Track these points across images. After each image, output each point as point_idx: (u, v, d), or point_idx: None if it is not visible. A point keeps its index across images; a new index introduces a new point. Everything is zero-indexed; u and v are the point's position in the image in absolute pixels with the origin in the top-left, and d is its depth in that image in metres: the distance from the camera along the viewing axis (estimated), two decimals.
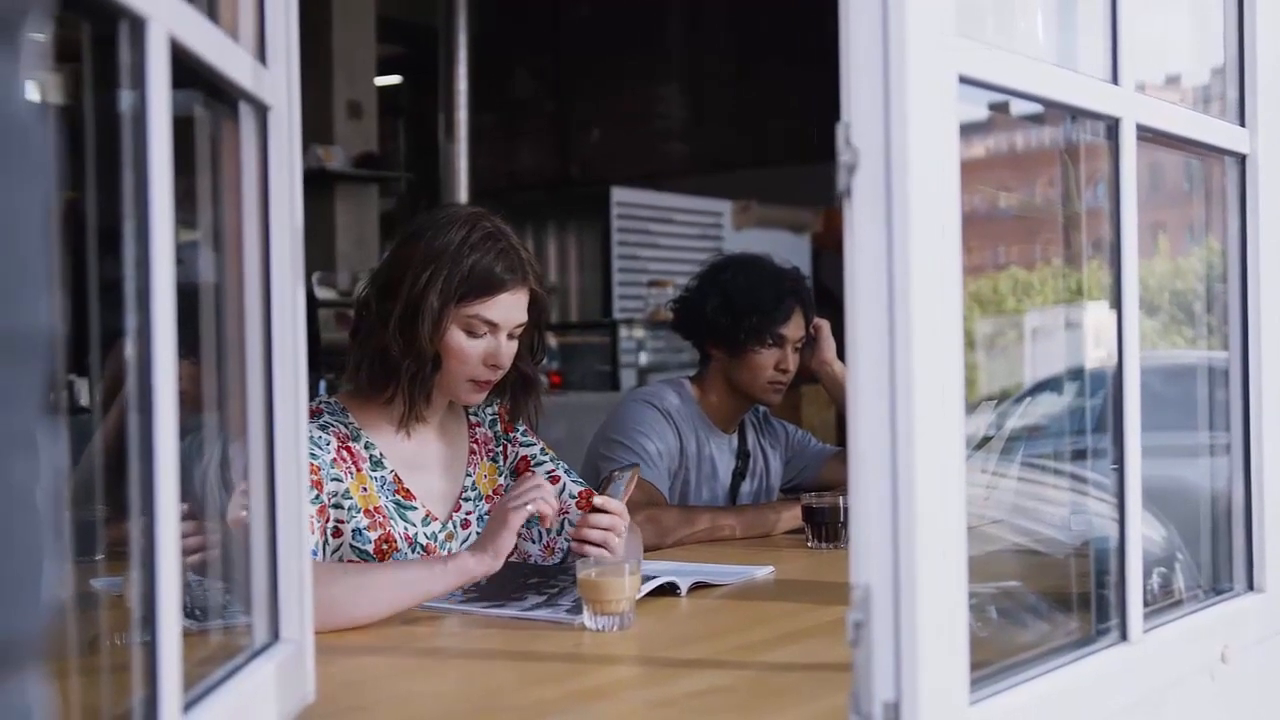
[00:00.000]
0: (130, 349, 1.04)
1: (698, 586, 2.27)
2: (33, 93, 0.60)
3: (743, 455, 3.25)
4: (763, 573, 2.44)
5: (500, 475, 2.46)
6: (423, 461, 2.37)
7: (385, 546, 2.25)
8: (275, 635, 1.42)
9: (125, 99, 1.05)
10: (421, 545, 2.30)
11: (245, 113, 1.38)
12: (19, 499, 0.57)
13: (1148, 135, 1.64)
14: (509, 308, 2.28)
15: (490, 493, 2.44)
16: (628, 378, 7.69)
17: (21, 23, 0.58)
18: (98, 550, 1.49)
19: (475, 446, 2.45)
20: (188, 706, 1.12)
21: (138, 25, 1.02)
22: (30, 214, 0.57)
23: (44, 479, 0.59)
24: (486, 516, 2.38)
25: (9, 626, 0.56)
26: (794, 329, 3.12)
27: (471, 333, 2.26)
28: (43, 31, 0.62)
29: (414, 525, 2.30)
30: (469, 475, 2.42)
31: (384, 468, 2.30)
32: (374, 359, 2.28)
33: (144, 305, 1.03)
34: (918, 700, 1.19)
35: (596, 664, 1.82)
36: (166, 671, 1.04)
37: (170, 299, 1.05)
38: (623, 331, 7.86)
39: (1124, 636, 1.56)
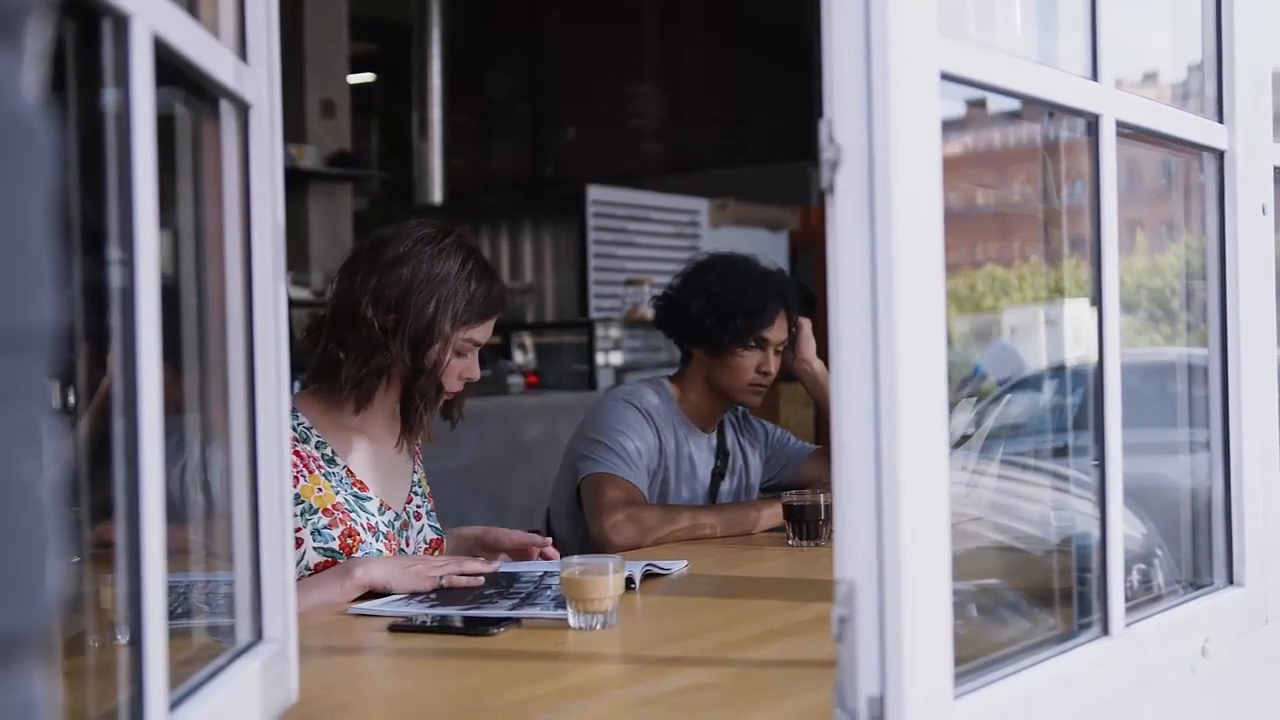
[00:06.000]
0: (113, 350, 1.04)
1: (649, 576, 2.33)
2: (34, 91, 0.60)
3: (722, 454, 3.25)
4: (678, 567, 2.46)
5: (425, 482, 2.62)
6: (374, 459, 2.46)
7: (350, 541, 2.33)
8: (259, 635, 1.41)
9: (108, 96, 1.04)
10: (383, 534, 2.39)
11: (226, 111, 1.37)
12: (25, 493, 0.57)
13: (1127, 132, 1.64)
14: (491, 329, 2.46)
15: (427, 492, 2.59)
16: (604, 377, 7.69)
17: (24, 20, 0.58)
18: (76, 552, 1.49)
19: (416, 449, 2.58)
20: (173, 706, 1.11)
21: (121, 23, 1.02)
22: (34, 211, 0.58)
23: (47, 473, 0.59)
24: (431, 512, 2.56)
25: (16, 621, 0.57)
26: (777, 332, 3.12)
27: (459, 353, 2.40)
28: (45, 27, 0.62)
29: (373, 515, 2.39)
30: (415, 473, 2.56)
31: (337, 464, 2.38)
32: (376, 375, 2.36)
33: (128, 305, 1.03)
34: (902, 694, 1.19)
35: (581, 662, 1.82)
36: (152, 671, 1.03)
37: (155, 299, 1.05)
38: (599, 331, 7.84)
39: (1106, 631, 1.57)
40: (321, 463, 2.36)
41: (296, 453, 2.31)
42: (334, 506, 2.33)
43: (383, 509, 2.41)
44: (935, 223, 1.26)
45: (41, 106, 0.60)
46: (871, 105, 1.20)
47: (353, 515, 2.34)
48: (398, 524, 2.44)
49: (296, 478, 2.28)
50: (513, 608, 2.04)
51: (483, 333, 2.42)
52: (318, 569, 2.27)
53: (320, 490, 2.33)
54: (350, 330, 2.34)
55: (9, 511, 0.56)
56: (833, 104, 1.22)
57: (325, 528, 2.30)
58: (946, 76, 1.29)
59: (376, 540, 2.36)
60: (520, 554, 2.50)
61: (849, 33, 1.21)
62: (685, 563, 2.49)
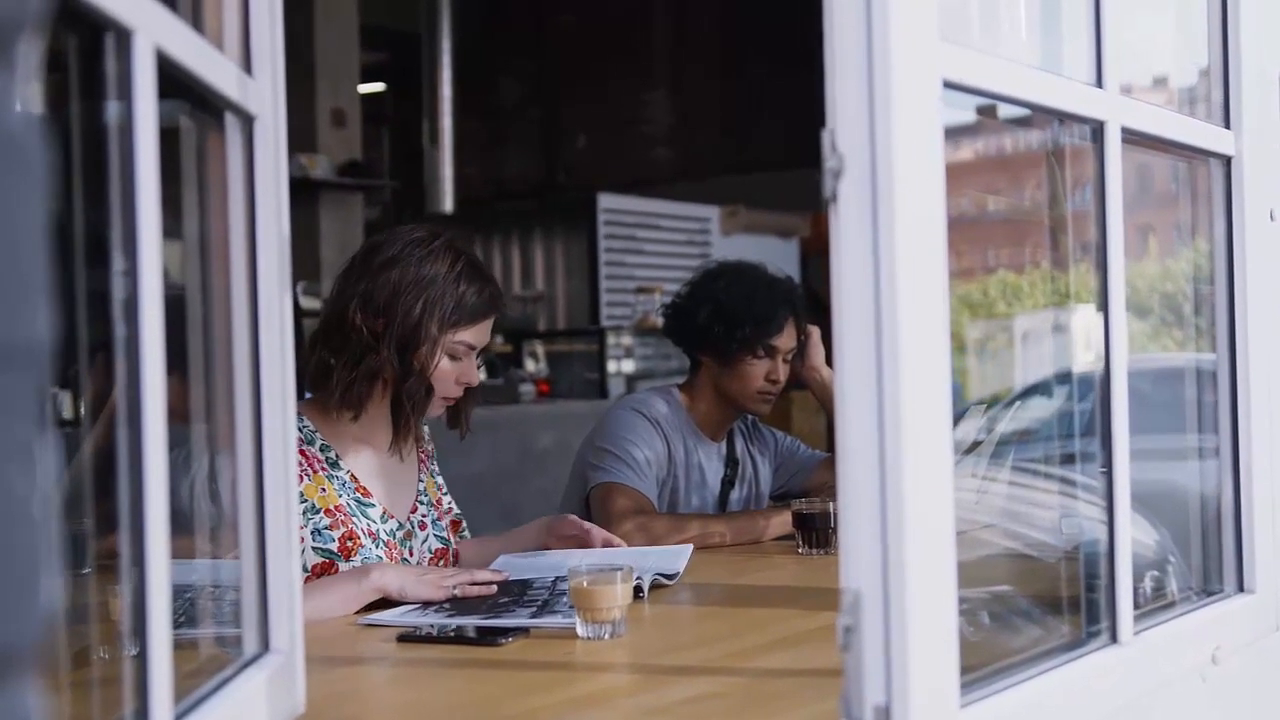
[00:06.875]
0: (118, 361, 1.04)
1: (657, 586, 2.32)
2: (28, 105, 0.60)
3: (732, 463, 3.25)
4: (684, 555, 2.49)
5: (438, 489, 2.61)
6: (378, 467, 2.46)
7: (350, 544, 2.34)
8: (265, 646, 1.41)
9: (111, 109, 1.05)
10: (383, 541, 2.39)
11: (231, 123, 1.38)
12: (18, 509, 0.57)
13: (1133, 138, 1.64)
14: (487, 332, 2.45)
15: (434, 501, 2.57)
16: (616, 385, 7.68)
17: (17, 35, 0.59)
18: (86, 564, 1.49)
19: (422, 457, 2.59)
20: (179, 717, 1.11)
21: (124, 36, 1.02)
22: (28, 225, 0.58)
23: (41, 489, 0.59)
24: (438, 521, 2.54)
25: (9, 636, 0.57)
26: (786, 340, 3.11)
27: (453, 356, 2.40)
28: (38, 43, 0.63)
29: (374, 522, 2.40)
30: (420, 481, 2.55)
31: (341, 469, 2.39)
32: (366, 379, 2.36)
33: (132, 317, 1.03)
34: (908, 704, 1.19)
35: (589, 672, 1.82)
36: (158, 682, 1.03)
37: (158, 310, 1.05)
38: (610, 339, 7.84)
39: (1114, 639, 1.57)
40: (325, 465, 2.37)
41: (302, 452, 2.32)
42: (336, 508, 2.34)
43: (385, 517, 2.42)
44: (938, 230, 1.26)
45: (36, 122, 0.60)
46: (874, 114, 1.20)
47: (354, 519, 2.35)
48: (400, 533, 2.44)
49: (300, 476, 2.28)
50: (531, 616, 2.04)
51: (475, 335, 2.41)
52: (316, 570, 2.28)
53: (324, 490, 2.34)
54: (340, 335, 2.35)
55: (2, 527, 0.56)
56: (835, 113, 1.22)
57: (326, 528, 2.31)
58: (949, 84, 1.29)
59: (376, 546, 2.36)
60: (579, 542, 2.54)
61: (850, 40, 1.21)
62: (690, 547, 2.53)
